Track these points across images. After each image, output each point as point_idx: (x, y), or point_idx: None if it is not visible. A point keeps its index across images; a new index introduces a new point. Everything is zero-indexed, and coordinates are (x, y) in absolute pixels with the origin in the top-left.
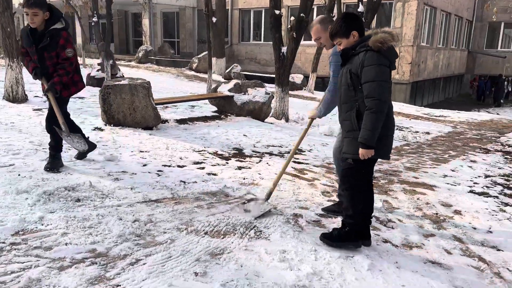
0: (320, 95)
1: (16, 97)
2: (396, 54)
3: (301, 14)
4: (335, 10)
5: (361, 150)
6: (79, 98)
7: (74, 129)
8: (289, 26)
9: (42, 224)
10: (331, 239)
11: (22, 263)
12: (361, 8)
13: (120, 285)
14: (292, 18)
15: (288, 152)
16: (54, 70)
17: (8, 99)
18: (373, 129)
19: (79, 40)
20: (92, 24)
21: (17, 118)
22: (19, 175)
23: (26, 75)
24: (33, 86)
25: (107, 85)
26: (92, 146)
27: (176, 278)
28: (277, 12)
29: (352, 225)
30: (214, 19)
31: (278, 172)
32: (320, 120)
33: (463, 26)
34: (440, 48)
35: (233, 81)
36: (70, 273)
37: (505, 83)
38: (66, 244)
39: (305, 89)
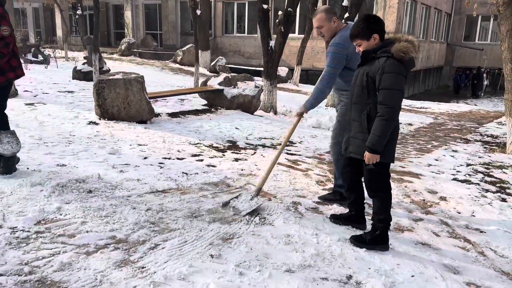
0: (305, 87)
1: None
2: (414, 65)
3: (289, 9)
4: (319, 3)
5: (367, 154)
6: (68, 92)
7: (5, 126)
8: (277, 20)
9: (61, 214)
10: (363, 242)
11: (51, 249)
12: (345, 2)
13: (145, 267)
14: (280, 12)
15: (280, 144)
16: None
17: None
18: (382, 136)
19: (59, 32)
20: (77, 17)
21: (11, 113)
22: (27, 168)
23: None
24: (20, 81)
25: (101, 79)
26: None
27: (195, 260)
28: (265, 6)
29: (383, 228)
30: (198, 12)
31: (266, 168)
32: (308, 113)
33: (442, 19)
34: (420, 40)
35: (223, 75)
36: (97, 257)
37: (484, 75)
38: (87, 231)
39: (290, 82)
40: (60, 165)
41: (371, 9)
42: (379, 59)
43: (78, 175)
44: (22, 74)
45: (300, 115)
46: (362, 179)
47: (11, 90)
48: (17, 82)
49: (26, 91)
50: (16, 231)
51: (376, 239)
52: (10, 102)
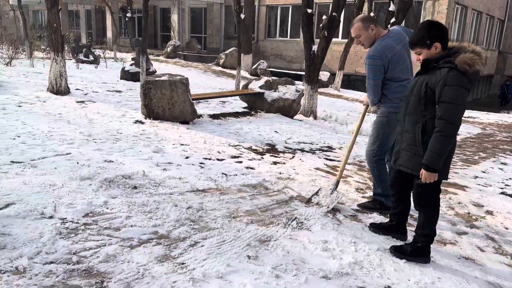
0: (346, 92)
1: (60, 89)
2: (478, 78)
3: (333, 13)
4: (364, 7)
5: (424, 173)
6: (116, 91)
7: None
8: (320, 24)
9: (107, 208)
10: (403, 253)
11: (97, 241)
12: (392, 7)
13: (184, 263)
14: (324, 17)
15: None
16: None
17: (52, 91)
18: (440, 153)
19: (109, 34)
20: (126, 19)
21: (63, 110)
22: (77, 163)
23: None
24: (72, 79)
25: (148, 80)
26: None
27: (232, 260)
28: (309, 10)
29: (425, 242)
30: (242, 16)
31: (343, 160)
32: (346, 117)
33: (494, 26)
34: None
35: (264, 78)
36: (140, 251)
37: None
38: (131, 226)
39: (331, 87)
40: (108, 161)
41: (418, 14)
42: (441, 69)
43: (124, 171)
44: None
45: (367, 106)
46: (411, 192)
47: None
48: (69, 80)
49: (78, 89)
50: (66, 222)
51: (417, 251)
52: (63, 99)
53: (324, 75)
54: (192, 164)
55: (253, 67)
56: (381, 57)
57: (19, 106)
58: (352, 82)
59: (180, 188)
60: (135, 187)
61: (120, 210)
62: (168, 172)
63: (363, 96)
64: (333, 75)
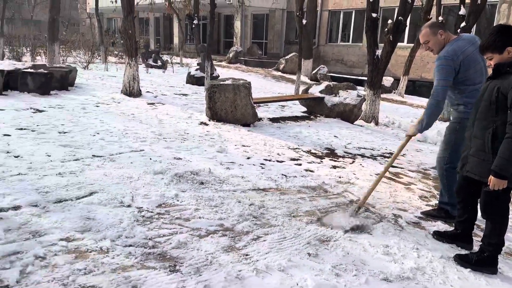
0: (410, 99)
1: (132, 91)
2: None
3: (399, 18)
4: (433, 11)
5: (493, 179)
6: (183, 94)
7: None
8: (385, 29)
9: (178, 200)
10: (469, 262)
11: (169, 229)
12: (462, 11)
13: (248, 255)
14: (390, 21)
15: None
16: None
17: (125, 93)
18: (511, 160)
19: (176, 40)
20: (193, 26)
21: (136, 111)
22: (150, 159)
23: (140, 72)
24: (142, 83)
25: (213, 84)
26: None
27: (293, 255)
28: (374, 15)
29: (492, 252)
30: (304, 21)
31: (370, 187)
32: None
33: None
34: None
35: (325, 83)
36: (208, 240)
37: None
38: (199, 217)
39: (395, 92)
40: (177, 158)
41: (492, 18)
42: None
43: (192, 168)
44: None
45: (410, 137)
46: (478, 200)
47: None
48: (141, 84)
49: (148, 92)
50: (142, 211)
51: (483, 261)
52: (135, 101)
53: (387, 81)
54: (253, 165)
55: (313, 72)
56: (452, 58)
57: (97, 106)
58: (417, 88)
59: (242, 186)
60: (202, 183)
61: (189, 203)
62: (231, 171)
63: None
64: (397, 80)
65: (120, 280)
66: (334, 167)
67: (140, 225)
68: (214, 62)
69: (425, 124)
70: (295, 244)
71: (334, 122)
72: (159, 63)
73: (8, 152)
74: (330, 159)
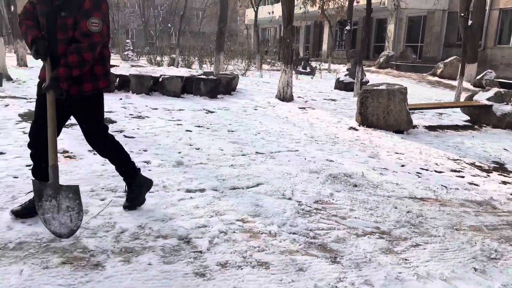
0: None
1: (285, 96)
2: None
3: None
4: None
5: None
6: (331, 100)
7: (120, 158)
8: None
9: (333, 199)
10: None
11: (327, 224)
12: None
13: (408, 259)
14: None
15: None
16: (66, 51)
17: (279, 98)
18: None
19: (325, 46)
20: (345, 32)
21: (289, 114)
22: (305, 159)
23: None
24: (293, 88)
25: (366, 89)
26: (148, 184)
27: (457, 268)
28: None
29: None
30: (469, 22)
31: None
32: None
33: None
34: None
35: (494, 89)
36: (365, 240)
37: None
38: (355, 217)
39: None
40: (329, 160)
41: None
42: None
43: (345, 170)
44: (105, 85)
45: None
46: None
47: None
48: (296, 90)
49: (299, 97)
50: (301, 205)
51: None
52: (287, 105)
53: None
54: (409, 173)
55: (478, 77)
56: None
57: (255, 109)
58: None
59: (397, 193)
60: (355, 185)
61: (344, 202)
62: (385, 177)
63: None
64: None
65: (288, 262)
66: (505, 182)
67: (300, 217)
68: (363, 67)
69: None
70: (459, 257)
71: (503, 134)
72: (308, 69)
73: (191, 145)
74: (499, 174)
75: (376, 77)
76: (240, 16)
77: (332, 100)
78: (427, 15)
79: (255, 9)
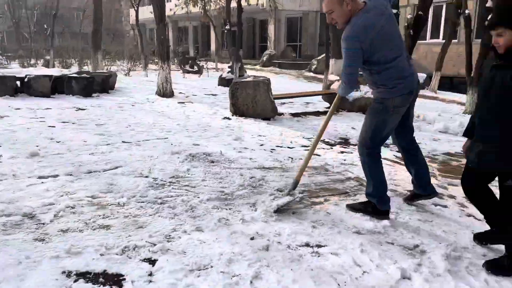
0: (443, 94)
1: (165, 92)
2: None
3: (419, 12)
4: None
5: None
6: (212, 95)
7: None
8: (405, 24)
9: (189, 174)
10: (502, 268)
11: (177, 192)
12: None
13: (240, 211)
14: (409, 16)
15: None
16: None
17: (159, 94)
18: None
19: (213, 47)
20: (225, 31)
21: (166, 108)
22: (171, 144)
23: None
24: (178, 86)
25: (236, 82)
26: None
27: (280, 214)
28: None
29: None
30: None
31: (303, 161)
32: (436, 117)
33: None
34: None
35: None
36: (209, 203)
37: None
38: (204, 186)
39: (427, 89)
40: (195, 145)
41: None
42: None
43: (206, 150)
44: None
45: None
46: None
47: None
48: (175, 87)
49: (181, 93)
50: (156, 180)
51: None
52: (167, 101)
53: (420, 77)
54: (264, 150)
55: None
56: (359, 38)
57: (132, 105)
58: (455, 85)
59: (249, 165)
60: (212, 162)
61: (198, 175)
62: (242, 154)
63: (462, 97)
64: (430, 77)
65: (130, 223)
66: (342, 152)
67: (153, 189)
68: (249, 66)
69: (340, 93)
70: (285, 206)
71: (354, 116)
72: (195, 68)
73: (51, 139)
74: (341, 147)
75: (259, 74)
76: (125, 16)
77: (213, 95)
78: (302, 17)
79: (135, 9)
